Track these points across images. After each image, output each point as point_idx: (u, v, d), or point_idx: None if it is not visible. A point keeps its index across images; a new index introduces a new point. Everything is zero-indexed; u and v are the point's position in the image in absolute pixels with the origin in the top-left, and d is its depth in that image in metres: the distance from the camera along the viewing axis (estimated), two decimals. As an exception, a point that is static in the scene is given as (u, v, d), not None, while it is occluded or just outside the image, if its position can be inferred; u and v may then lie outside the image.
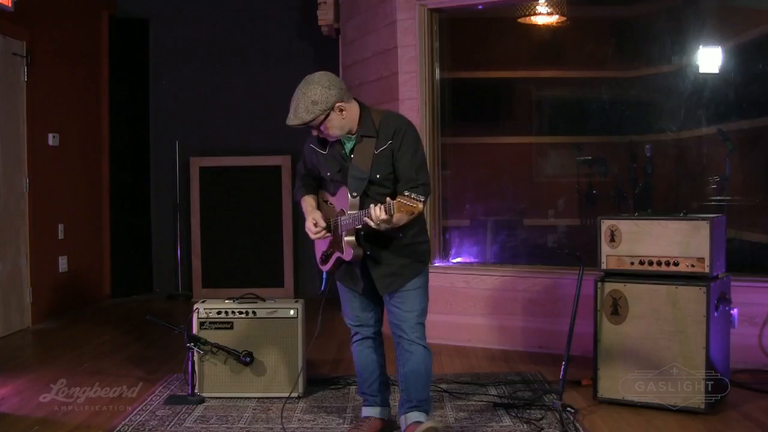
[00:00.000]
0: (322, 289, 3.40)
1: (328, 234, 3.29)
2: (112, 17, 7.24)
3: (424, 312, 3.28)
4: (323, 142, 3.25)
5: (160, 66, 7.45)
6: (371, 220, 2.94)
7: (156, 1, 7.41)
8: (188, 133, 7.36)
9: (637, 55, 6.12)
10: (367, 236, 3.14)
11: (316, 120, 3.05)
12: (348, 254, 3.17)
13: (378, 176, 3.12)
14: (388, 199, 2.88)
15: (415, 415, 3.28)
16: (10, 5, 5.64)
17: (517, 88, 6.69)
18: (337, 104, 3.06)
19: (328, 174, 3.25)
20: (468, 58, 6.24)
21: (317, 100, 3.02)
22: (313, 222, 3.29)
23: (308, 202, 3.40)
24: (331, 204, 3.32)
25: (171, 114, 7.42)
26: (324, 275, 3.40)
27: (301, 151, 3.43)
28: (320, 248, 3.38)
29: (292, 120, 3.06)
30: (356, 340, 3.46)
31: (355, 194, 3.13)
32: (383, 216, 2.88)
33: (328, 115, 3.06)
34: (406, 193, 2.85)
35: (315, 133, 3.18)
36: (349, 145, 3.19)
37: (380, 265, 3.20)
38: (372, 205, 2.94)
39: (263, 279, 7.00)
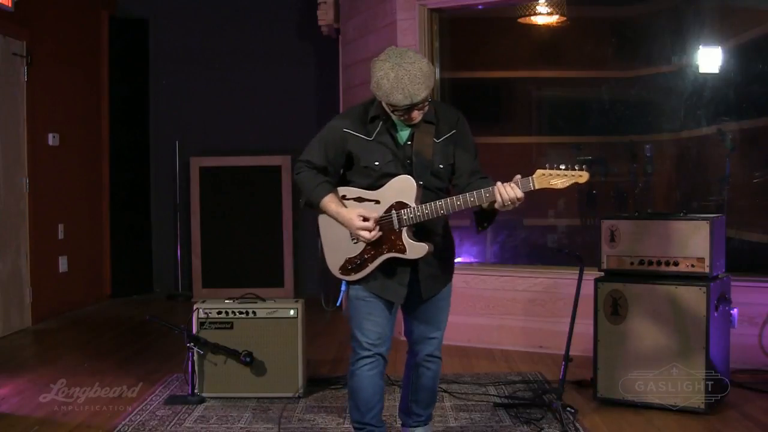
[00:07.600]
0: (339, 303, 3.10)
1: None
2: (112, 17, 7.24)
3: None
4: (366, 127, 2.86)
5: (160, 66, 7.45)
6: (504, 200, 2.63)
7: (156, 1, 7.41)
8: (188, 133, 7.35)
9: (637, 55, 6.12)
10: (417, 231, 2.85)
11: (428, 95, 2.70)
12: (415, 251, 2.82)
13: (441, 166, 2.86)
14: (517, 176, 2.66)
15: (420, 431, 3.23)
16: (10, 5, 5.64)
17: (517, 88, 6.69)
18: None
19: (376, 163, 2.83)
20: (468, 58, 6.23)
21: (430, 74, 2.66)
22: (363, 218, 2.82)
23: (338, 201, 2.89)
24: (361, 200, 2.88)
25: (171, 114, 7.42)
26: (343, 286, 3.01)
27: (300, 150, 3.02)
28: (345, 254, 2.91)
29: (420, 93, 2.64)
30: (366, 364, 2.94)
31: (421, 183, 2.81)
32: (520, 194, 2.62)
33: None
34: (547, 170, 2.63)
35: (413, 114, 2.74)
36: (404, 133, 2.85)
37: (427, 264, 2.90)
38: (499, 184, 2.66)
39: (263, 279, 6.99)
